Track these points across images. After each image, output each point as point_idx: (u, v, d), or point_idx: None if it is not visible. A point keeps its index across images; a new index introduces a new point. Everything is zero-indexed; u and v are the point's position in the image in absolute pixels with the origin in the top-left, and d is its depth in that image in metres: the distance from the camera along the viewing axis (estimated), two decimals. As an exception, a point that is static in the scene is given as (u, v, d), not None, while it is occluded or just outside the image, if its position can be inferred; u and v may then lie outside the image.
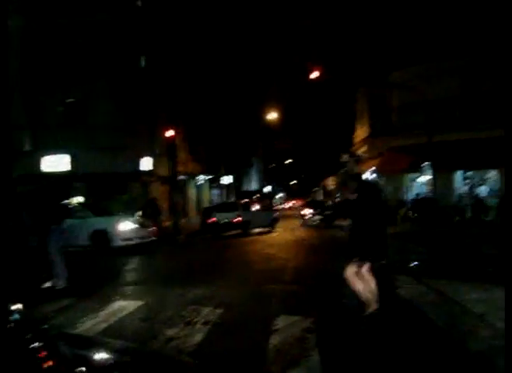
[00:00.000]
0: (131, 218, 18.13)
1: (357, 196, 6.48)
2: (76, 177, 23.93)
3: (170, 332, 5.84)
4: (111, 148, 23.71)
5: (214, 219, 23.76)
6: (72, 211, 16.45)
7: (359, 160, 30.69)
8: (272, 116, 35.61)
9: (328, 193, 51.95)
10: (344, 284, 6.59)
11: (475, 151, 21.98)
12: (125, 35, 25.00)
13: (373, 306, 6.35)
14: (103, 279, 10.31)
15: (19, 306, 1.96)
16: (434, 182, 20.70)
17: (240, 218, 23.53)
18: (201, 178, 39.56)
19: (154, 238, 18.03)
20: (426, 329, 5.93)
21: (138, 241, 16.59)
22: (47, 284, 8.78)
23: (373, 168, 28.02)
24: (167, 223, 25.05)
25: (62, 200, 10.40)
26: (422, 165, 23.83)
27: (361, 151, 32.27)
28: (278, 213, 32.14)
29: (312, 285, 9.07)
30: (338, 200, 32.59)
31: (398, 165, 24.50)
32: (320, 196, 60.91)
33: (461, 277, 8.92)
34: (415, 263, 11.48)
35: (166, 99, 29.29)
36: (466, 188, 25.80)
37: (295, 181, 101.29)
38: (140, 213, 19.97)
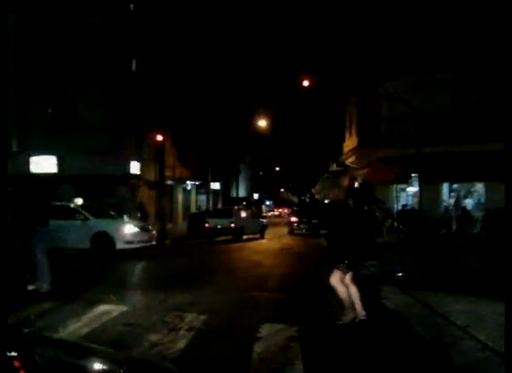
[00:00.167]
0: (134, 222, 18.06)
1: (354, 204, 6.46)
2: (63, 179, 23.78)
3: (154, 337, 5.79)
4: (99, 151, 23.59)
5: (208, 225, 24.14)
6: (73, 213, 16.38)
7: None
8: (262, 123, 35.66)
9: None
10: (328, 292, 6.59)
11: (462, 164, 22.13)
12: (117, 37, 24.94)
13: (361, 314, 6.35)
14: (91, 282, 10.18)
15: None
16: (421, 193, 20.80)
17: (234, 225, 23.96)
18: (189, 183, 39.47)
19: (154, 242, 17.77)
20: (410, 340, 5.94)
21: (139, 245, 16.40)
22: (31, 287, 8.68)
23: (361, 178, 28.09)
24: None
25: (48, 200, 10.27)
26: (409, 177, 23.95)
27: (349, 160, 32.38)
28: (266, 220, 32.30)
29: (297, 293, 9.06)
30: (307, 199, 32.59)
31: (386, 176, 24.60)
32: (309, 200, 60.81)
33: (446, 289, 8.96)
34: (401, 274, 11.53)
35: (156, 103, 29.23)
36: (452, 200, 25.96)
37: (282, 189, 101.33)
38: (127, 217, 19.86)
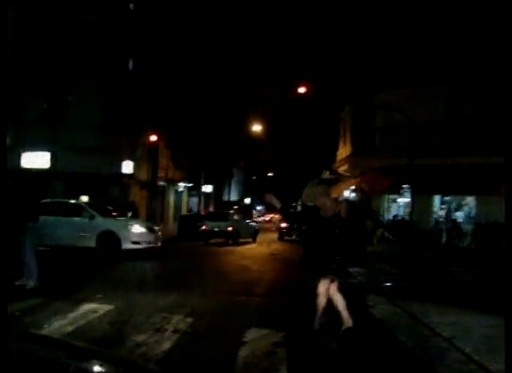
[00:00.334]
0: (141, 222, 17.81)
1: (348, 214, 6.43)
2: (55, 175, 23.66)
3: (139, 338, 5.75)
4: (92, 149, 23.50)
5: (205, 227, 24.79)
6: (79, 210, 16.07)
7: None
8: (256, 128, 35.71)
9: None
10: (316, 299, 6.58)
11: (454, 177, 22.24)
12: (115, 36, 24.90)
13: (348, 322, 6.32)
14: (82, 281, 10.10)
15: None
16: (412, 204, 20.89)
17: (232, 228, 24.58)
18: (181, 185, 39.41)
19: (160, 244, 17.35)
20: (395, 350, 5.94)
21: (145, 245, 15.97)
22: (17, 283, 8.62)
23: (353, 187, 28.18)
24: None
25: (38, 197, 10.21)
26: (401, 187, 24.04)
27: (342, 168, 32.44)
28: (258, 225, 32.57)
29: (285, 299, 9.04)
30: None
31: (378, 186, 24.66)
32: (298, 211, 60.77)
33: (433, 300, 8.98)
34: (389, 283, 11.54)
35: (151, 103, 29.19)
36: (443, 213, 26.06)
37: (269, 192, 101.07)
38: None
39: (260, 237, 29.40)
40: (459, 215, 25.35)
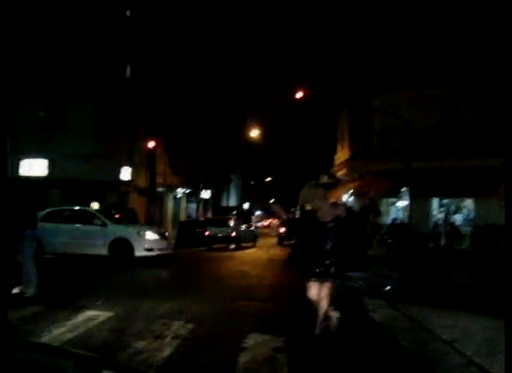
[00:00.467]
0: (154, 229, 17.64)
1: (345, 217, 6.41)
2: (52, 183, 23.65)
3: (139, 345, 5.73)
4: (90, 156, 23.52)
5: (209, 232, 25.31)
6: (91, 218, 15.84)
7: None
8: (254, 133, 35.74)
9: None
10: (316, 304, 6.55)
11: (452, 179, 22.29)
12: (112, 43, 24.96)
13: (318, 329, 6.30)
14: (83, 288, 10.07)
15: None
16: (411, 207, 20.91)
17: (235, 233, 25.38)
18: (180, 191, 39.37)
19: (171, 251, 17.18)
20: (395, 353, 5.92)
21: (158, 252, 15.72)
22: (16, 290, 8.59)
23: (351, 191, 28.19)
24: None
25: (38, 204, 10.20)
26: (400, 191, 24.05)
27: (341, 173, 32.47)
28: (257, 230, 32.86)
29: (285, 304, 9.03)
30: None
31: (377, 189, 24.67)
32: (297, 216, 60.77)
33: (433, 303, 8.97)
34: (388, 287, 11.53)
35: (148, 109, 29.21)
36: (441, 215, 26.08)
37: (273, 199, 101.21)
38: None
39: (259, 242, 29.56)
40: (457, 218, 25.38)
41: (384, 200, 27.34)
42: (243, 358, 5.36)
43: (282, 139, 56.34)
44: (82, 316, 7.15)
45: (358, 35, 28.80)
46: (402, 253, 19.40)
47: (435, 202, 26.07)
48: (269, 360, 5.35)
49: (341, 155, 33.84)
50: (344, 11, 31.49)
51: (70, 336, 6.05)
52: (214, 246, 24.88)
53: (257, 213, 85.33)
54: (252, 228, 31.61)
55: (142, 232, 15.76)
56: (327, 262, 6.21)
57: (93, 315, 7.23)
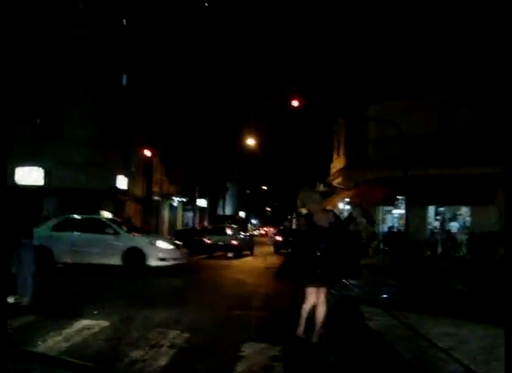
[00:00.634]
0: (168, 238, 17.38)
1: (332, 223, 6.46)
2: (48, 191, 23.60)
3: (135, 354, 5.70)
4: (86, 164, 23.52)
5: (210, 241, 25.77)
6: (103, 226, 15.51)
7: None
8: (250, 142, 35.81)
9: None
10: (314, 313, 6.55)
11: (448, 187, 22.34)
12: (108, 52, 25.04)
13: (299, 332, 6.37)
14: (83, 298, 9.99)
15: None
16: (407, 216, 20.91)
17: (236, 242, 25.92)
18: (176, 200, 39.36)
19: (185, 260, 16.70)
20: (392, 361, 5.91)
21: (172, 262, 15.31)
22: (10, 300, 8.54)
23: (347, 199, 28.23)
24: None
25: (33, 213, 10.15)
26: (396, 199, 24.09)
27: (337, 181, 32.51)
28: (254, 238, 33.18)
29: (281, 312, 9.00)
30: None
31: (373, 198, 24.71)
32: (293, 225, 60.86)
33: (430, 311, 8.96)
34: (385, 295, 11.53)
35: (145, 118, 29.24)
36: (438, 223, 26.12)
37: (269, 208, 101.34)
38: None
39: (256, 250, 29.66)
40: (454, 225, 25.41)
41: (381, 208, 27.39)
42: (240, 367, 5.33)
43: (278, 148, 56.48)
44: (77, 326, 7.11)
45: (354, 43, 28.95)
46: (399, 261, 19.40)
47: (431, 210, 26.11)
48: (266, 369, 5.32)
49: (337, 163, 33.91)
50: (339, 21, 31.68)
51: (65, 345, 6.01)
52: (214, 254, 25.47)
53: (254, 221, 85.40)
54: (252, 239, 32.15)
55: (155, 242, 15.51)
56: (323, 267, 6.24)
57: (89, 325, 7.19)
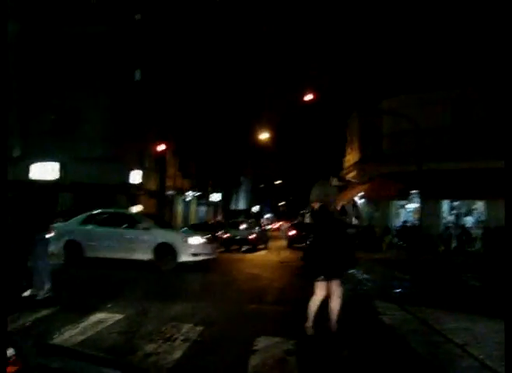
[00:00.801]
0: (200, 233, 17.13)
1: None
2: (64, 186, 23.78)
3: (149, 347, 5.74)
4: (101, 159, 23.64)
5: (227, 235, 26.31)
6: (134, 221, 15.23)
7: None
8: (264, 136, 35.70)
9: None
10: (326, 306, 6.56)
11: (463, 182, 22.15)
12: (122, 47, 25.12)
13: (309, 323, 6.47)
14: (100, 292, 10.04)
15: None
16: (421, 210, 20.80)
17: (253, 236, 26.44)
18: (189, 194, 39.47)
19: (216, 255, 16.60)
20: (407, 356, 5.89)
21: (204, 257, 15.12)
22: (27, 293, 8.63)
23: (362, 193, 28.11)
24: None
25: (50, 207, 10.20)
26: (410, 193, 23.95)
27: (350, 175, 32.40)
28: (268, 233, 33.47)
29: (295, 306, 9.00)
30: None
31: (387, 192, 24.60)
32: (307, 219, 60.81)
33: (444, 306, 8.91)
34: (399, 289, 11.48)
35: (158, 113, 29.32)
36: (452, 218, 25.93)
37: (283, 202, 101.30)
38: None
39: (270, 244, 29.88)
40: (469, 220, 25.21)
41: (394, 203, 27.25)
42: (254, 361, 5.35)
43: (291, 142, 56.31)
44: (92, 319, 7.17)
45: (368, 37, 28.75)
46: (413, 256, 19.31)
47: (445, 204, 25.92)
48: (280, 363, 5.33)
49: (351, 157, 33.78)
50: (353, 15, 31.46)
51: (82, 337, 6.07)
52: (231, 248, 25.97)
53: (267, 216, 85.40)
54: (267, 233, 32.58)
55: (186, 237, 15.24)
56: (338, 260, 6.34)
57: (104, 318, 7.25)
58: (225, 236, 26.26)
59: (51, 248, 14.92)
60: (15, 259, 8.75)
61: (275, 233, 50.57)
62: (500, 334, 6.64)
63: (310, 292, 6.70)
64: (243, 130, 46.40)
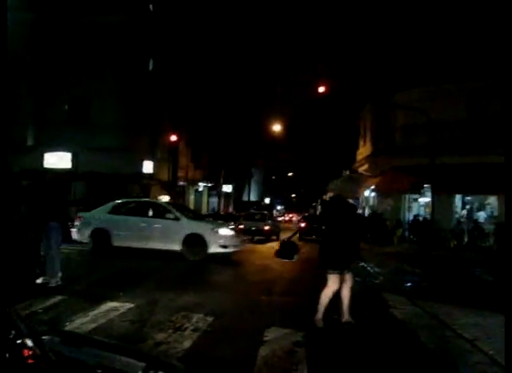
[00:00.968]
0: (229, 225, 16.98)
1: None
2: (76, 175, 23.93)
3: (159, 336, 5.78)
4: (113, 149, 23.73)
5: (243, 226, 26.18)
6: (163, 211, 15.03)
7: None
8: (276, 128, 35.65)
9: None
10: (337, 298, 6.58)
11: (476, 176, 21.94)
12: (135, 37, 25.12)
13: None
14: (113, 281, 10.07)
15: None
16: (433, 204, 20.66)
17: (268, 227, 27.03)
18: (201, 185, 39.55)
19: (243, 247, 16.31)
20: (417, 350, 5.88)
21: (233, 249, 14.80)
22: (40, 280, 8.72)
23: (373, 186, 28.01)
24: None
25: (63, 196, 10.25)
26: (422, 187, 23.80)
27: (363, 168, 32.27)
28: (280, 224, 33.60)
29: (305, 298, 9.01)
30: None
31: (399, 186, 24.47)
32: (318, 212, 60.71)
33: (455, 301, 8.89)
34: (410, 284, 11.46)
35: (171, 103, 29.34)
36: (464, 212, 25.76)
37: (294, 194, 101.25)
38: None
39: (281, 236, 29.85)
40: (481, 215, 25.03)
41: (407, 196, 27.11)
42: (263, 351, 5.37)
43: (304, 134, 56.18)
44: (103, 307, 7.22)
45: (381, 29, 28.52)
46: (424, 250, 19.23)
47: (458, 199, 25.74)
48: (289, 354, 5.35)
49: (363, 150, 33.61)
50: (367, 7, 31.23)
51: (93, 325, 6.13)
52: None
53: (279, 207, 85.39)
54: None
55: (216, 228, 14.86)
56: (350, 251, 6.44)
57: (115, 306, 7.30)
58: (241, 227, 26.13)
59: (78, 236, 15.11)
60: (29, 247, 8.85)
61: (286, 225, 50.59)
62: (511, 330, 6.62)
63: (320, 284, 6.70)
64: (255, 122, 46.37)
